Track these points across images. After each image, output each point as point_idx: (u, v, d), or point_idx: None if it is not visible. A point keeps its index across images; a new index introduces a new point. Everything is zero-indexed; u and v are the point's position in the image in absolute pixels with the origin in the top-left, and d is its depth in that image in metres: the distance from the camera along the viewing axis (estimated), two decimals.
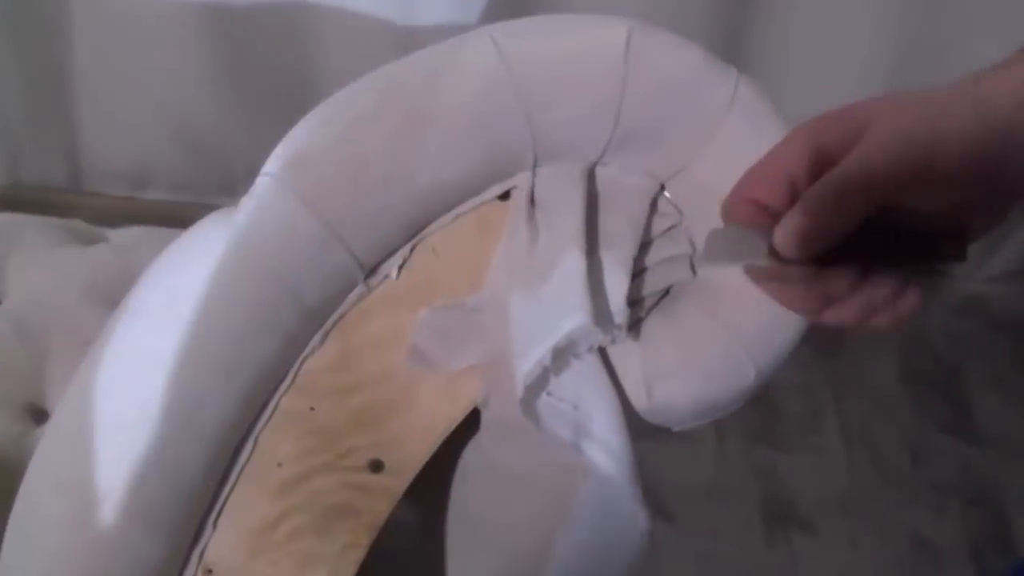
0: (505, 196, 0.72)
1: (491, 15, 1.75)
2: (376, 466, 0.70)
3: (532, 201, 0.71)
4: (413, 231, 0.71)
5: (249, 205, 0.68)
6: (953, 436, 1.91)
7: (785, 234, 0.58)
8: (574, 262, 0.66)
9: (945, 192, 0.57)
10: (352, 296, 0.70)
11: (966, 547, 1.77)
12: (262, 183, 0.68)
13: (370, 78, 0.71)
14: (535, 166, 0.72)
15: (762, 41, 1.81)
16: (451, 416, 0.71)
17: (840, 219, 0.58)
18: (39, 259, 1.24)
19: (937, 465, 1.87)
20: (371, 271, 0.70)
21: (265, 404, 0.69)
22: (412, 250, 0.71)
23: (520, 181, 0.72)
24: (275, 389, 0.69)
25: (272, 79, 1.88)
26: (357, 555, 0.70)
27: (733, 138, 0.71)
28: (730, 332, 0.71)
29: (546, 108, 0.69)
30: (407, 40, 1.78)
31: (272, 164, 0.69)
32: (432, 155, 0.68)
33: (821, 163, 0.60)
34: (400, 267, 0.71)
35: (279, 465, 0.69)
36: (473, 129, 0.68)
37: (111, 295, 1.21)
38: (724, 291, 0.72)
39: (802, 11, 1.77)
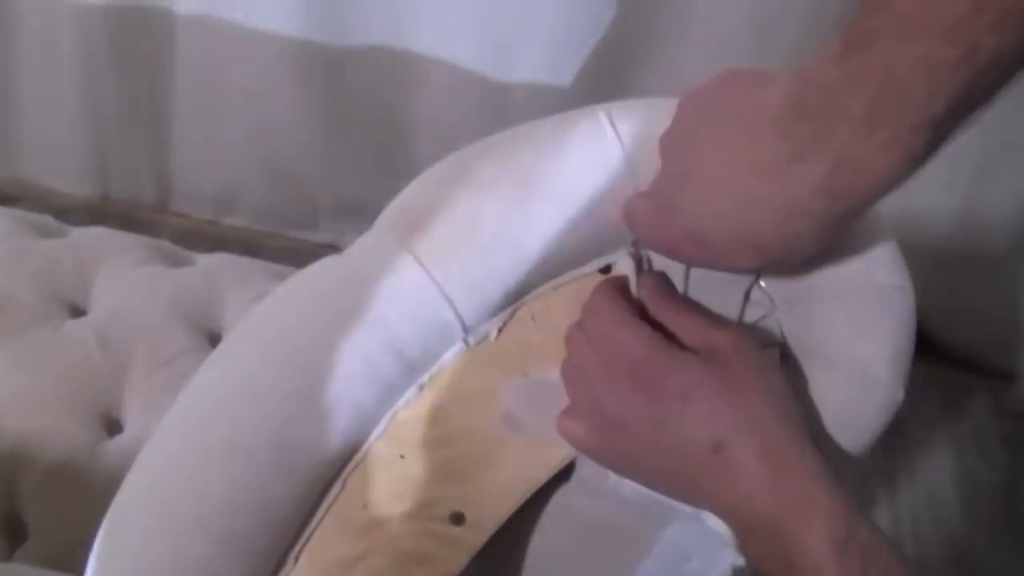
0: (606, 270, 0.74)
1: (584, 77, 1.77)
2: (458, 519, 0.72)
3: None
4: (515, 296, 0.73)
5: (362, 255, 0.70)
6: (1003, 544, 1.89)
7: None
8: None
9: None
10: (450, 352, 0.72)
11: None
12: (376, 235, 0.70)
13: (487, 145, 0.74)
14: (636, 243, 0.74)
15: None
16: (535, 478, 0.73)
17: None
18: (127, 275, 1.28)
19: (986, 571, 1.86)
20: (471, 330, 0.72)
21: (358, 447, 0.71)
22: (512, 314, 0.73)
23: (621, 257, 0.74)
24: (369, 434, 0.71)
25: (364, 120, 1.91)
26: None
27: None
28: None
29: None
30: (500, 94, 1.81)
31: (387, 217, 0.71)
32: (542, 227, 0.70)
33: None
34: (500, 329, 0.73)
35: (364, 507, 0.71)
36: (586, 205, 0.71)
37: (193, 316, 1.25)
38: (807, 384, 0.73)
39: None
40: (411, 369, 0.71)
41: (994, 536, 1.89)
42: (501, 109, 1.83)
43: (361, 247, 0.71)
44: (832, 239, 0.60)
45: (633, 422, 0.63)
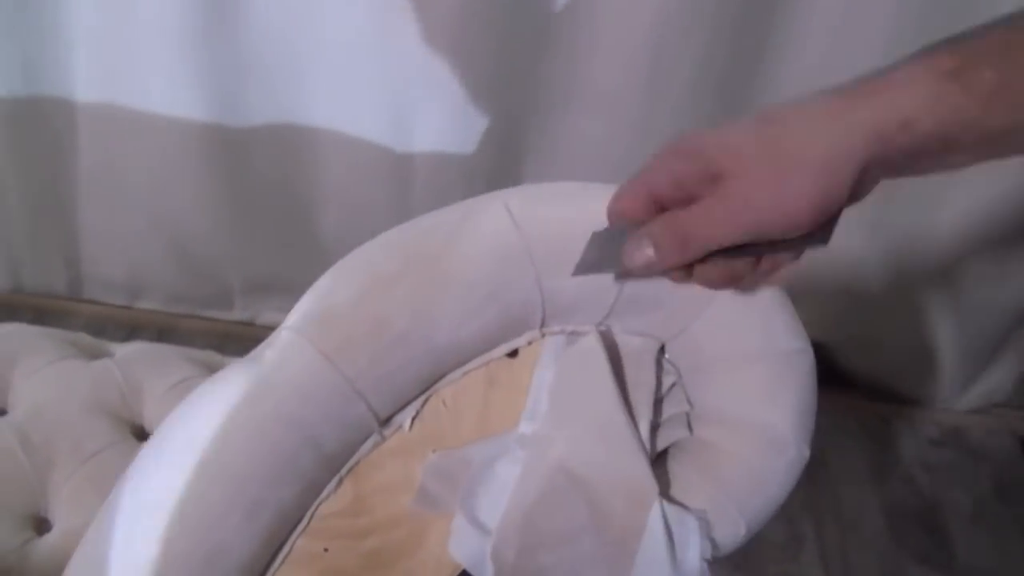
0: (513, 354, 0.76)
1: (486, 144, 1.79)
2: None
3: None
4: (426, 385, 0.75)
5: (272, 357, 0.71)
6: (932, 568, 1.92)
7: (630, 260, 0.66)
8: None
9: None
10: (367, 445, 0.74)
11: None
12: (286, 337, 0.72)
13: (390, 239, 0.75)
14: (542, 325, 0.76)
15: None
16: (459, 564, 0.74)
17: (682, 258, 0.64)
18: (43, 371, 1.27)
19: None
20: (385, 422, 0.74)
21: (281, 545, 0.72)
22: (424, 403, 0.75)
23: (527, 339, 0.76)
24: (291, 531, 0.72)
25: (271, 197, 1.92)
26: None
27: (728, 302, 0.75)
28: (723, 491, 0.74)
29: (556, 273, 0.73)
30: (404, 165, 1.82)
31: (295, 318, 0.72)
32: (450, 317, 0.72)
33: (680, 189, 0.64)
34: (413, 418, 0.74)
35: None
36: (489, 293, 0.73)
37: (114, 409, 1.25)
38: (718, 451, 0.75)
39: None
40: (330, 463, 0.72)
41: (924, 562, 1.92)
42: (406, 179, 1.85)
43: (269, 350, 0.72)
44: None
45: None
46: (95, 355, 1.35)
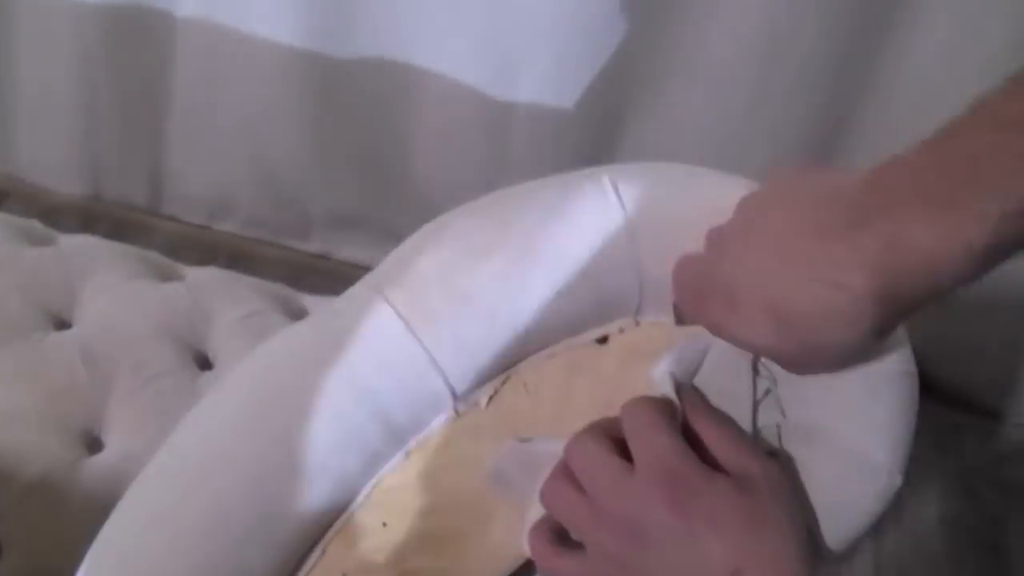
0: (603, 340, 0.72)
1: (588, 103, 1.75)
2: None
3: None
4: (507, 364, 0.71)
5: (351, 317, 0.68)
6: None
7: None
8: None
9: None
10: (439, 420, 0.71)
11: None
12: (368, 297, 0.68)
13: (483, 208, 0.72)
14: (636, 313, 0.72)
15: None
16: (520, 554, 0.71)
17: None
18: (115, 288, 1.26)
19: None
20: (461, 398, 0.70)
21: (340, 513, 0.69)
22: (503, 382, 0.71)
23: (619, 326, 0.72)
24: (352, 500, 0.70)
25: (361, 132, 1.89)
26: None
27: None
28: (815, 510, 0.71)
29: (658, 261, 0.69)
30: (501, 113, 1.79)
31: (379, 278, 0.69)
32: (539, 296, 0.68)
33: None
34: (490, 397, 0.71)
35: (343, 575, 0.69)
36: (585, 274, 0.69)
37: (180, 334, 1.23)
38: (806, 470, 0.71)
39: None
40: (398, 436, 0.69)
41: None
42: (501, 128, 1.81)
43: (350, 307, 0.69)
44: (851, 342, 0.58)
45: (648, 533, 0.60)
46: (167, 277, 1.33)
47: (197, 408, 0.70)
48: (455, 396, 0.70)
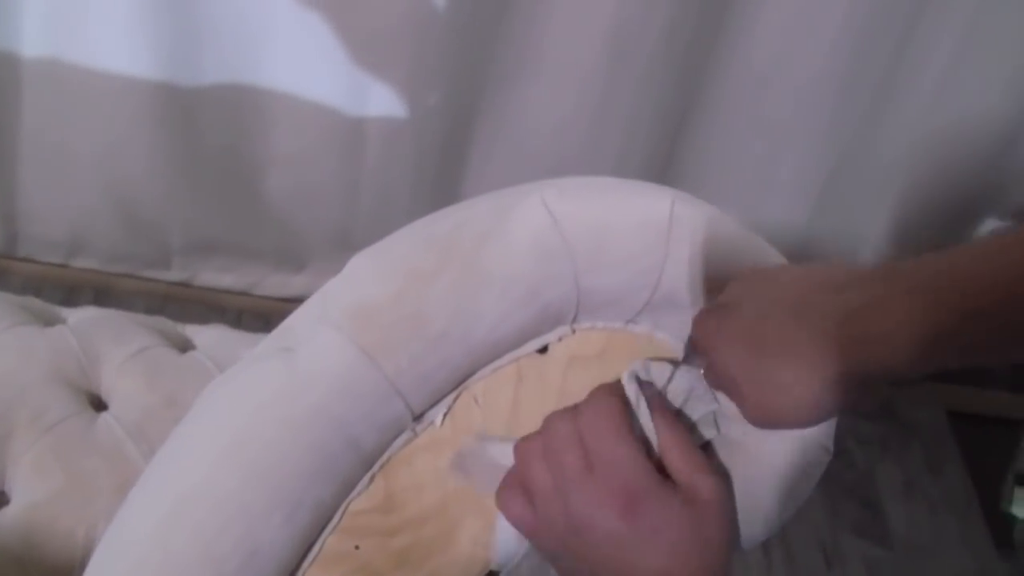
0: (543, 350, 0.76)
1: (439, 111, 1.78)
2: None
3: None
4: (459, 381, 0.74)
5: (310, 352, 0.70)
6: (865, 539, 1.96)
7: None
8: None
9: None
10: (399, 441, 0.73)
11: None
12: (324, 332, 0.70)
13: (424, 233, 0.74)
14: (573, 321, 0.75)
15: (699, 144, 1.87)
16: (486, 559, 0.75)
17: None
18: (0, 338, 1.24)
19: (850, 567, 1.92)
20: (418, 418, 0.73)
21: (312, 543, 0.71)
22: (456, 399, 0.74)
23: (558, 335, 0.75)
24: (323, 529, 0.71)
25: (214, 157, 1.88)
26: None
27: None
28: (750, 490, 0.75)
29: (593, 272, 0.73)
30: (354, 128, 1.81)
31: (329, 313, 0.71)
32: (489, 314, 0.71)
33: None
34: (444, 415, 0.74)
35: None
36: (528, 291, 0.72)
37: (70, 377, 1.22)
38: (744, 450, 0.75)
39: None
40: (365, 461, 0.71)
41: (858, 532, 1.97)
42: (355, 142, 1.83)
43: (309, 345, 0.70)
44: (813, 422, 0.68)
45: (595, 530, 0.65)
46: (49, 321, 1.31)
47: (168, 447, 0.71)
48: (414, 417, 0.72)
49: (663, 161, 1.89)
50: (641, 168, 1.87)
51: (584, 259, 0.72)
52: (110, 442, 1.12)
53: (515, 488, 0.70)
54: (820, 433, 0.76)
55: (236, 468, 0.67)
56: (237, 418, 0.70)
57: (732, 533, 0.73)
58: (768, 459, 0.75)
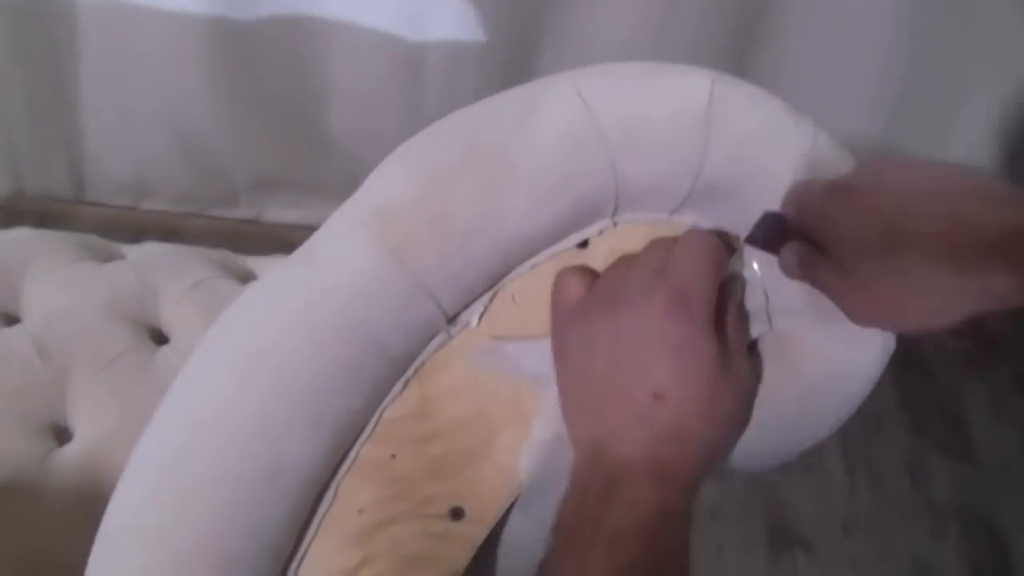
0: (583, 245, 0.72)
1: (502, 33, 1.75)
2: (456, 514, 0.71)
3: None
4: (494, 280, 0.71)
5: (330, 255, 0.67)
6: (951, 458, 1.92)
7: (785, 264, 0.69)
8: None
9: None
10: (433, 344, 0.70)
11: (965, 569, 1.79)
12: (344, 233, 0.67)
13: (448, 128, 0.71)
14: (614, 214, 0.72)
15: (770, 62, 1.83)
16: (518, 480, 0.73)
17: None
18: (57, 276, 1.24)
19: (936, 487, 1.88)
20: (452, 319, 0.70)
21: (347, 453, 0.69)
22: (492, 299, 0.71)
23: (599, 229, 0.72)
24: (356, 437, 0.69)
25: (277, 92, 1.88)
26: None
27: None
28: (806, 387, 0.72)
29: (630, 161, 0.69)
30: (416, 57, 1.78)
31: (356, 214, 0.68)
32: (518, 209, 0.68)
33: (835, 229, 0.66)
34: (480, 315, 0.71)
35: (360, 512, 0.69)
36: (559, 182, 0.68)
37: (130, 312, 1.21)
38: (798, 345, 0.72)
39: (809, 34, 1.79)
40: (396, 366, 0.69)
41: (943, 451, 1.93)
42: (416, 71, 1.81)
43: (328, 247, 0.68)
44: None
45: (632, 310, 0.65)
46: (107, 257, 1.31)
47: (188, 366, 0.69)
48: (447, 318, 0.69)
49: None
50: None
51: (620, 148, 0.68)
52: (170, 376, 1.11)
53: (584, 273, 0.71)
54: (890, 338, 0.72)
55: (255, 383, 0.65)
56: (256, 330, 0.67)
57: (734, 434, 0.70)
58: (824, 352, 0.71)
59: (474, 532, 0.71)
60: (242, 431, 0.64)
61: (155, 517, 0.65)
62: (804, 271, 0.68)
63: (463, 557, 0.70)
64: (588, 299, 0.69)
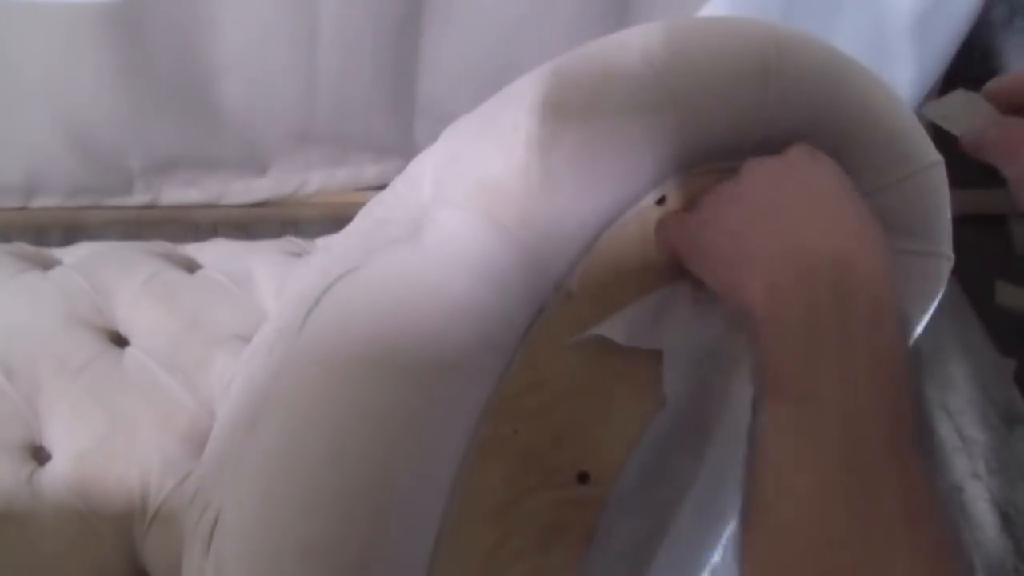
0: (661, 201, 0.74)
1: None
2: (583, 477, 0.72)
3: None
4: (590, 244, 0.72)
5: (440, 238, 0.67)
6: None
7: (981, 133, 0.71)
8: None
9: None
10: (543, 315, 0.71)
11: None
12: (450, 216, 0.67)
13: (524, 98, 0.71)
14: (689, 169, 0.74)
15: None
16: (644, 413, 0.73)
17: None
18: (3, 290, 1.19)
19: None
20: (559, 286, 0.71)
21: (471, 435, 0.69)
22: (589, 261, 0.72)
23: (675, 184, 0.74)
24: (478, 419, 0.70)
25: (165, 71, 1.82)
26: (578, 566, 0.71)
27: None
28: None
29: (698, 119, 0.72)
30: (304, 22, 1.75)
31: (452, 196, 0.68)
32: (610, 174, 0.69)
33: None
34: (579, 279, 0.72)
35: (492, 492, 0.70)
36: (642, 146, 0.70)
37: (88, 318, 1.18)
38: None
39: None
40: (514, 339, 0.70)
41: None
42: (308, 39, 1.77)
43: (438, 231, 0.68)
44: None
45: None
46: (46, 264, 1.27)
47: (314, 370, 0.68)
48: (555, 288, 0.70)
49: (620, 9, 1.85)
50: (598, 21, 1.83)
51: (687, 107, 0.70)
52: (141, 376, 1.09)
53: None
54: (936, 237, 0.77)
55: (370, 375, 0.65)
56: (381, 329, 0.66)
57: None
58: None
59: (601, 492, 0.72)
60: (389, 435, 0.65)
61: (316, 533, 0.65)
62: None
63: (594, 518, 0.72)
64: (714, 193, 0.71)
